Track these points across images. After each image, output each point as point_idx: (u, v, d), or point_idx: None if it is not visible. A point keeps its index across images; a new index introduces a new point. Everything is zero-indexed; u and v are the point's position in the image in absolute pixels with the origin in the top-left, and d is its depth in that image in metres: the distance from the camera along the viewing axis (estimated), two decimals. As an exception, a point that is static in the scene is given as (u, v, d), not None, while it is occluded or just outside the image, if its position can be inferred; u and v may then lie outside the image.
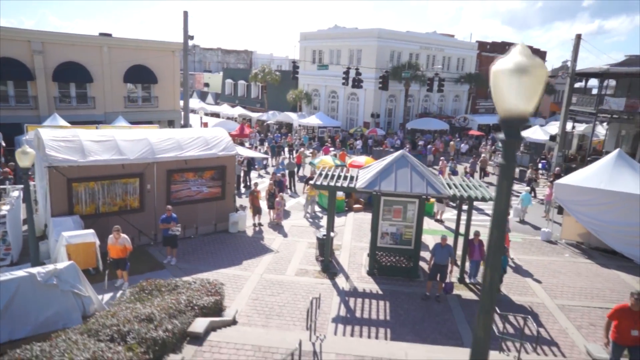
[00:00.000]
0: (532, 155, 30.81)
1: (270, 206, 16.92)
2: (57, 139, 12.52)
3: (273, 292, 11.07)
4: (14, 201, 12.88)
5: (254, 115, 46.92)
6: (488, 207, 19.34)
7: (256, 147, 32.69)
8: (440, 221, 18.12)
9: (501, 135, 3.04)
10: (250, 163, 23.94)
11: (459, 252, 12.48)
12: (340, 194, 18.10)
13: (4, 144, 21.38)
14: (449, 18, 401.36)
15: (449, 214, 18.68)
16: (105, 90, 29.08)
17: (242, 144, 28.96)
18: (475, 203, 13.83)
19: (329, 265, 12.58)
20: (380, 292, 11.44)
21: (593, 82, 32.53)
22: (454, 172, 23.63)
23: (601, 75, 27.39)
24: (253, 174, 24.52)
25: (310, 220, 17.63)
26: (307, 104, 45.89)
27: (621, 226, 13.95)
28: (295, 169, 24.13)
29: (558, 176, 20.19)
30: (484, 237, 10.98)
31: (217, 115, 48.85)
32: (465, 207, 12.80)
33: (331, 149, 30.78)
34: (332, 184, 12.16)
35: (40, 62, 26.28)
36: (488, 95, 43.44)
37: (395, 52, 41.04)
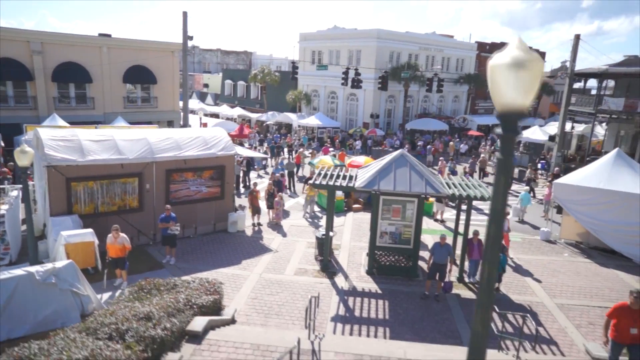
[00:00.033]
0: (531, 156, 30.85)
1: (270, 206, 16.92)
2: (56, 139, 12.51)
3: (272, 292, 11.07)
4: (12, 201, 12.87)
5: (254, 116, 46.94)
6: (487, 206, 19.33)
7: (255, 148, 32.68)
8: (442, 221, 18.11)
9: (499, 130, 3.05)
10: (250, 163, 23.94)
11: (458, 251, 12.49)
12: (339, 194, 18.10)
13: (3, 144, 21.36)
14: (448, 19, 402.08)
15: (448, 214, 18.68)
16: (104, 90, 29.08)
17: (241, 144, 28.96)
18: (474, 203, 13.84)
19: (328, 264, 12.57)
20: (379, 291, 11.44)
21: (592, 82, 32.57)
22: (453, 172, 23.62)
23: (600, 75, 27.43)
24: (252, 174, 24.53)
25: (310, 220, 17.63)
26: (307, 105, 45.90)
27: (620, 225, 13.96)
28: (295, 169, 24.14)
29: (557, 176, 20.20)
30: (483, 236, 10.98)
31: (216, 115, 48.89)
32: (464, 206, 12.81)
33: (330, 149, 30.79)
34: (331, 183, 12.17)
35: (39, 62, 26.28)
36: (487, 95, 43.44)
37: (395, 52, 41.07)
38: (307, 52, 46.12)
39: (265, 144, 33.51)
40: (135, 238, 13.28)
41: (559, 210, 16.96)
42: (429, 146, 32.40)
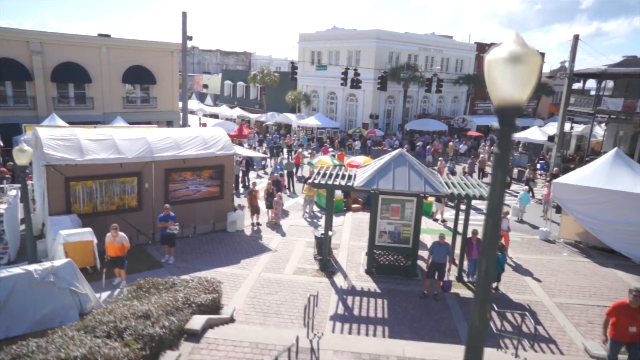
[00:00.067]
0: (530, 156, 30.88)
1: (269, 206, 16.92)
2: (55, 138, 12.51)
3: (271, 291, 11.06)
4: (11, 200, 12.86)
5: (253, 117, 46.95)
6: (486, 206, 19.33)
7: (255, 148, 32.69)
8: (443, 221, 18.07)
9: (496, 124, 3.05)
10: (249, 163, 23.94)
11: (457, 251, 12.49)
12: (338, 194, 18.10)
13: (2, 144, 21.35)
14: (448, 20, 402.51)
15: (448, 214, 18.68)
16: (103, 90, 29.07)
17: (240, 144, 28.96)
18: (473, 202, 13.84)
19: (327, 264, 12.57)
20: (378, 290, 11.44)
21: (591, 83, 32.63)
22: (452, 173, 23.65)
23: (599, 75, 27.47)
24: (252, 175, 24.52)
25: (309, 220, 17.62)
26: (306, 105, 45.92)
27: (619, 225, 13.96)
28: (294, 169, 24.14)
29: (555, 176, 20.19)
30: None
31: (215, 116, 48.89)
32: (463, 206, 12.81)
33: (330, 149, 30.79)
34: (330, 182, 12.17)
35: (38, 62, 26.28)
36: (487, 96, 43.36)
37: (394, 53, 41.11)
38: (306, 52, 46.15)
39: (265, 145, 33.52)
40: (134, 237, 13.27)
41: (558, 210, 16.96)
42: (428, 146, 32.40)
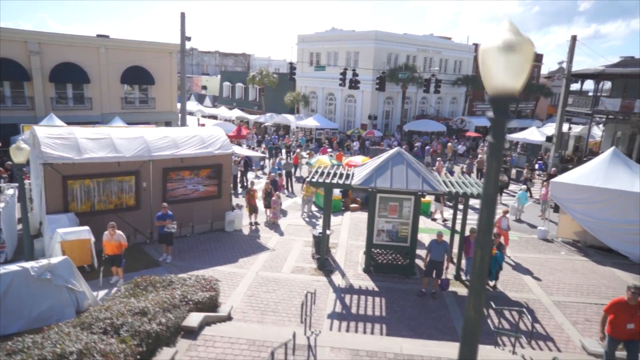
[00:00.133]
0: (528, 156, 30.93)
1: (267, 205, 16.90)
2: (52, 137, 12.49)
3: (269, 289, 11.04)
4: (8, 199, 12.83)
5: (252, 118, 46.95)
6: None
7: (253, 149, 32.67)
8: (444, 220, 17.99)
9: (490, 114, 3.05)
10: (247, 163, 23.93)
11: (455, 249, 12.49)
12: (337, 193, 18.08)
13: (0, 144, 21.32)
14: (446, 22, 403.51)
15: (447, 214, 18.66)
16: (102, 91, 29.03)
17: (239, 145, 28.94)
18: (471, 202, 13.82)
19: (325, 262, 12.56)
20: (376, 289, 11.43)
21: (589, 84, 32.71)
22: (450, 172, 23.64)
23: (597, 76, 27.53)
24: (250, 175, 24.50)
25: (307, 219, 17.61)
26: (305, 106, 45.94)
27: (616, 224, 13.98)
28: (292, 170, 24.13)
29: (553, 177, 20.22)
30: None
31: (214, 117, 48.85)
32: (461, 205, 12.80)
33: (329, 150, 30.79)
34: (327, 181, 12.17)
35: (37, 62, 26.23)
36: (485, 97, 43.54)
37: (393, 54, 41.16)
38: (305, 53, 46.19)
39: (263, 145, 33.51)
40: (132, 236, 13.24)
41: (556, 209, 16.98)
42: (427, 147, 32.41)
